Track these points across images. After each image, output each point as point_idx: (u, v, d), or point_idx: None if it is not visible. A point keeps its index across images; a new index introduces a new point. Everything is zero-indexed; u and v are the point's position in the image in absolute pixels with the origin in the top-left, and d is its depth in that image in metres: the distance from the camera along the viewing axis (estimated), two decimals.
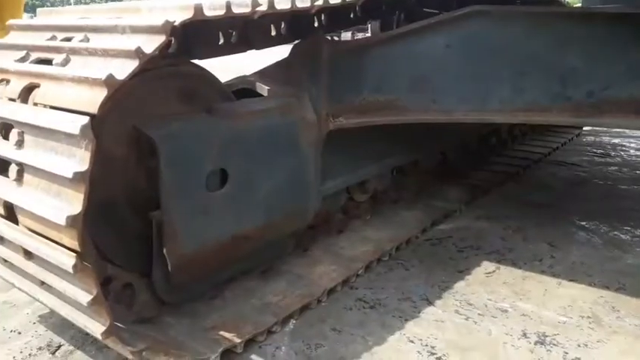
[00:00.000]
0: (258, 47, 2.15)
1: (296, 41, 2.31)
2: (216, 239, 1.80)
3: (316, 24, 2.38)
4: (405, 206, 2.95)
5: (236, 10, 1.67)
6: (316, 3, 1.95)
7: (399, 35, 2.37)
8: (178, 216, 1.69)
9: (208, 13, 1.60)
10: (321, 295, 2.04)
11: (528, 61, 2.33)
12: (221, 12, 1.63)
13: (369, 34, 3.11)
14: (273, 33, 2.21)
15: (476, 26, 2.31)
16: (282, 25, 2.23)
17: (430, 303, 2.11)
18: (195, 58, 2.00)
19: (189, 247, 1.72)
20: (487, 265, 2.44)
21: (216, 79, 2.02)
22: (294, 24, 2.22)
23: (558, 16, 2.37)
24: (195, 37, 1.92)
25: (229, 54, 2.11)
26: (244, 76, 2.23)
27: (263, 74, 2.28)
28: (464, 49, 2.34)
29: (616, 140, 4.71)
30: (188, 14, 1.54)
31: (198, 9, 1.54)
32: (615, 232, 2.79)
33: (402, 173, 3.06)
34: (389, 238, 2.58)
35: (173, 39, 1.87)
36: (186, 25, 1.56)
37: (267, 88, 2.14)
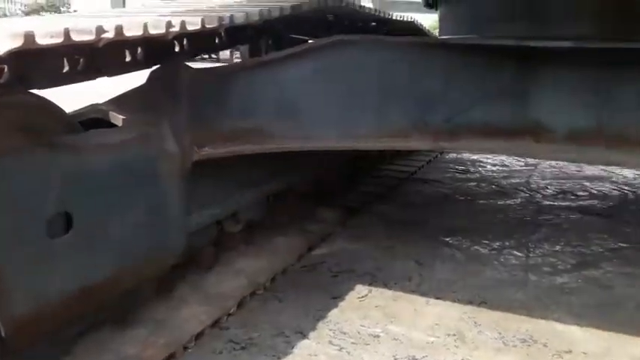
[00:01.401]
0: (110, 74, 1.97)
1: (154, 67, 2.18)
2: (60, 293, 1.59)
3: (177, 48, 2.26)
4: (281, 233, 2.90)
5: (77, 37, 1.51)
6: (172, 29, 1.84)
7: (265, 62, 2.33)
8: (11, 270, 1.47)
9: (42, 41, 1.42)
10: (187, 341, 1.90)
11: (391, 89, 2.41)
12: (58, 40, 1.46)
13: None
14: (128, 59, 2.05)
15: (342, 55, 2.35)
16: (138, 51, 2.07)
17: (304, 336, 2.06)
18: (35, 88, 1.78)
19: (26, 307, 1.50)
20: (360, 289, 2.47)
21: (60, 109, 1.81)
22: (151, 50, 2.08)
23: (418, 46, 2.49)
24: (33, 65, 1.71)
25: (77, 82, 1.91)
26: (95, 105, 2.04)
27: (118, 102, 2.10)
28: (330, 76, 2.36)
29: (474, 157, 5.10)
30: (17, 43, 1.36)
31: (29, 37, 1.36)
32: (476, 247, 2.98)
33: (277, 199, 3.01)
34: (264, 269, 2.50)
35: (6, 67, 1.65)
36: (20, 54, 1.38)
37: (121, 117, 1.97)
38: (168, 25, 1.82)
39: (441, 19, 3.06)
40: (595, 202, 3.84)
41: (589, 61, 2.31)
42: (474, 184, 4.22)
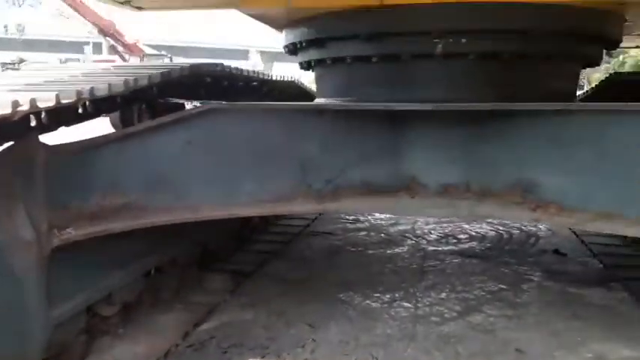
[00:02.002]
0: None
1: (6, 145, 1.98)
2: None
3: (34, 123, 2.08)
4: (163, 309, 2.71)
5: None
6: (20, 109, 1.68)
7: (133, 134, 2.21)
8: None
9: None
10: None
11: (269, 154, 2.39)
12: None
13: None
14: None
15: (215, 122, 2.30)
16: None
17: None
18: None
19: None
20: None
21: None
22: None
23: (294, 111, 2.51)
24: None
25: None
26: None
27: None
28: (205, 145, 2.29)
29: None
30: None
31: None
32: (367, 301, 2.98)
33: (158, 272, 2.83)
34: (144, 354, 2.30)
35: None
36: None
37: None
38: (15, 104, 1.66)
39: (316, 80, 3.13)
40: (474, 244, 4.06)
41: (456, 121, 2.47)
42: (364, 233, 4.30)
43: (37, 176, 1.92)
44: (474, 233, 4.30)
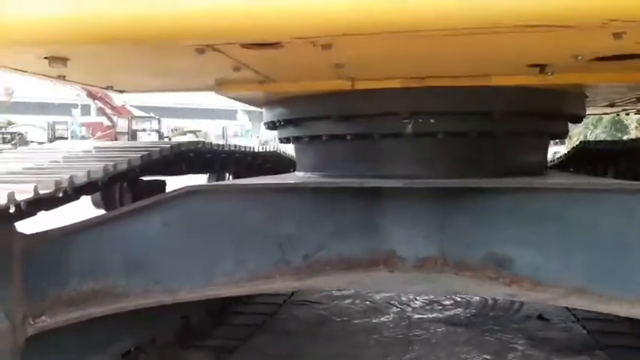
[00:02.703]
0: None
1: None
2: None
3: (12, 210, 2.11)
4: None
5: None
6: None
7: (112, 218, 2.25)
8: None
9: None
10: None
11: (247, 233, 2.43)
12: None
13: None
14: None
15: (192, 204, 2.34)
16: None
17: None
18: None
19: None
20: None
21: None
22: None
23: (271, 190, 2.57)
24: None
25: None
26: None
27: None
28: (183, 226, 2.33)
29: None
30: None
31: None
32: None
33: (138, 351, 2.78)
34: None
35: None
36: None
37: None
38: None
39: (296, 154, 3.22)
40: (459, 310, 4.05)
41: (429, 196, 2.54)
42: (349, 301, 4.27)
43: (13, 266, 1.94)
44: (459, 299, 4.29)
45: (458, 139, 2.57)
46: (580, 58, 2.09)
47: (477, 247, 2.44)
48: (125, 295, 2.21)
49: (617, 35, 1.73)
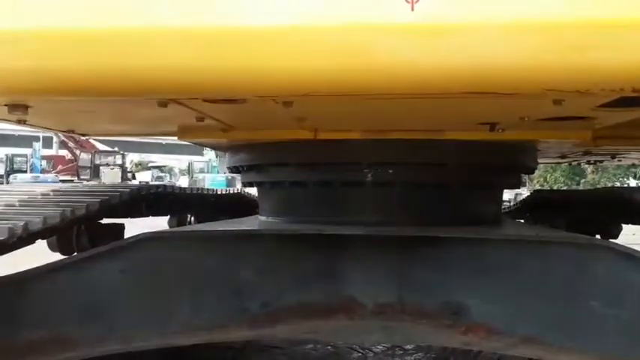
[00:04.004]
0: None
1: None
2: None
3: None
4: None
5: None
6: None
7: (66, 265, 2.22)
8: None
9: None
10: None
11: (205, 280, 2.43)
12: None
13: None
14: None
15: (150, 251, 2.34)
16: None
17: None
18: None
19: None
20: None
21: None
22: None
23: (230, 237, 2.59)
24: None
25: None
26: None
27: None
28: (140, 273, 2.32)
29: None
30: None
31: None
32: None
33: None
34: None
35: None
36: None
37: None
38: None
39: (258, 199, 3.25)
40: (420, 355, 4.07)
41: (388, 244, 2.60)
42: (311, 346, 4.23)
43: None
44: (420, 343, 4.31)
45: (415, 189, 2.66)
46: (526, 119, 2.23)
47: (433, 295, 2.50)
48: (77, 343, 2.15)
49: (556, 102, 1.86)
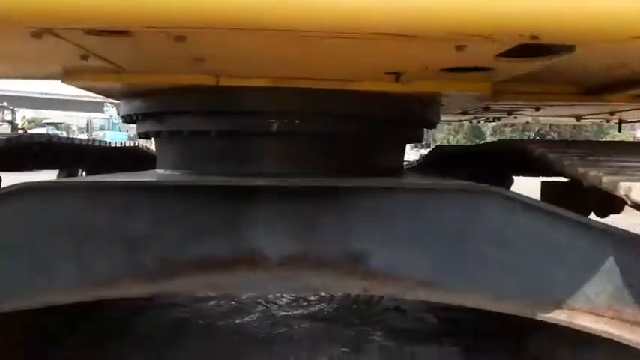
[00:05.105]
0: None
1: None
2: None
3: None
4: None
5: None
6: None
7: None
8: None
9: None
10: None
11: (94, 235, 2.24)
12: None
13: None
14: None
15: (30, 202, 2.11)
16: None
17: None
18: None
19: None
20: None
21: None
22: None
23: (122, 188, 2.40)
24: None
25: None
26: None
27: None
28: (16, 228, 2.09)
29: None
30: None
31: None
32: None
33: None
34: None
35: None
36: None
37: None
38: None
39: (156, 151, 3.06)
40: (324, 305, 4.15)
41: (291, 195, 2.55)
42: (215, 302, 4.17)
43: None
44: (323, 294, 4.39)
45: (320, 139, 2.62)
46: (429, 68, 2.23)
47: (336, 244, 2.50)
48: None
49: (459, 48, 1.87)
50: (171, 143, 2.82)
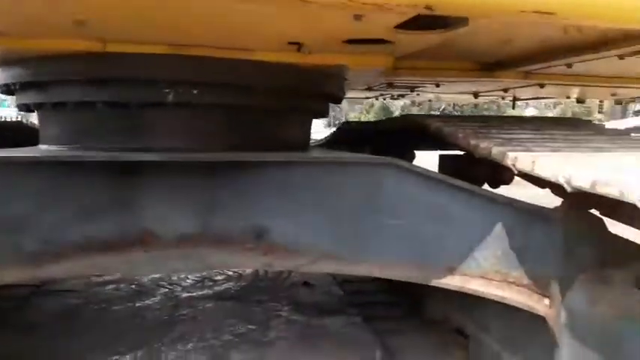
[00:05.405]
0: None
1: None
2: None
3: None
4: None
5: None
6: None
7: None
8: None
9: None
10: None
11: None
12: None
13: None
14: None
15: None
16: None
17: None
18: None
19: None
20: None
21: None
22: None
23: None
24: None
25: None
26: None
27: None
28: None
29: None
30: None
31: None
32: None
33: None
34: None
35: None
36: None
37: None
38: None
39: (39, 124, 2.80)
40: (231, 284, 4.08)
41: (189, 170, 2.44)
42: (113, 286, 3.95)
43: None
44: (230, 273, 4.31)
45: (220, 111, 2.51)
46: (330, 38, 2.20)
47: (237, 220, 2.43)
48: None
49: (357, 17, 1.85)
50: (54, 116, 2.58)
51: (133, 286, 3.94)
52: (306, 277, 4.23)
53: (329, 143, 4.75)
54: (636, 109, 17.32)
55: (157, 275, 4.18)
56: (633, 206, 1.36)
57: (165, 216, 2.42)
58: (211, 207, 2.46)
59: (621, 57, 2.55)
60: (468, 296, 2.15)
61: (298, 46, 2.39)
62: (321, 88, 2.98)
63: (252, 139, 2.63)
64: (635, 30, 2.09)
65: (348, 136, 4.60)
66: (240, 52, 2.44)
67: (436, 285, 2.18)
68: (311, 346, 3.00)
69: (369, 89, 4.69)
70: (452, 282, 2.16)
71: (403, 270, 2.28)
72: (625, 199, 1.36)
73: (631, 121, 15.15)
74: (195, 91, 2.44)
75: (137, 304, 3.59)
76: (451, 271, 2.17)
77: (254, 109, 2.57)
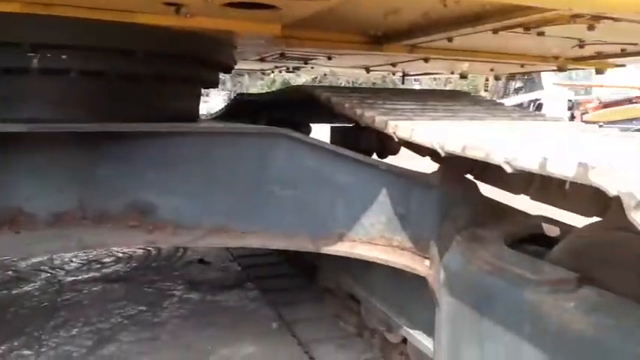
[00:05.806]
0: None
1: None
2: None
3: None
4: None
5: None
6: None
7: None
8: None
9: None
10: None
11: None
12: None
13: None
14: None
15: None
16: None
17: None
18: None
19: None
20: None
21: None
22: None
23: None
24: None
25: None
26: None
27: None
28: None
29: None
30: None
31: None
32: None
33: None
34: None
35: None
36: None
37: None
38: None
39: None
40: (120, 266, 3.88)
41: (65, 142, 2.24)
42: None
43: None
44: (120, 255, 4.10)
45: (96, 79, 2.31)
46: (210, 0, 2.09)
47: (118, 196, 2.28)
48: None
49: None
50: None
51: (9, 273, 3.62)
52: (201, 255, 4.13)
53: (222, 116, 4.63)
54: (516, 86, 18.70)
55: (36, 260, 3.87)
56: (499, 168, 1.44)
57: (38, 193, 2.22)
58: (89, 182, 2.29)
59: (495, 31, 2.69)
60: (358, 262, 2.19)
61: (176, 7, 2.25)
62: (208, 56, 2.85)
63: (132, 108, 2.46)
64: (510, 4, 2.20)
65: (242, 109, 4.50)
66: (113, 14, 2.25)
67: (326, 252, 2.20)
68: (206, 323, 2.94)
69: (263, 60, 4.60)
70: (341, 248, 2.19)
71: (294, 240, 2.27)
72: (490, 161, 1.44)
73: (520, 98, 16.29)
74: (64, 56, 2.23)
75: (14, 292, 3.30)
76: (340, 237, 2.20)
77: (133, 77, 2.40)
